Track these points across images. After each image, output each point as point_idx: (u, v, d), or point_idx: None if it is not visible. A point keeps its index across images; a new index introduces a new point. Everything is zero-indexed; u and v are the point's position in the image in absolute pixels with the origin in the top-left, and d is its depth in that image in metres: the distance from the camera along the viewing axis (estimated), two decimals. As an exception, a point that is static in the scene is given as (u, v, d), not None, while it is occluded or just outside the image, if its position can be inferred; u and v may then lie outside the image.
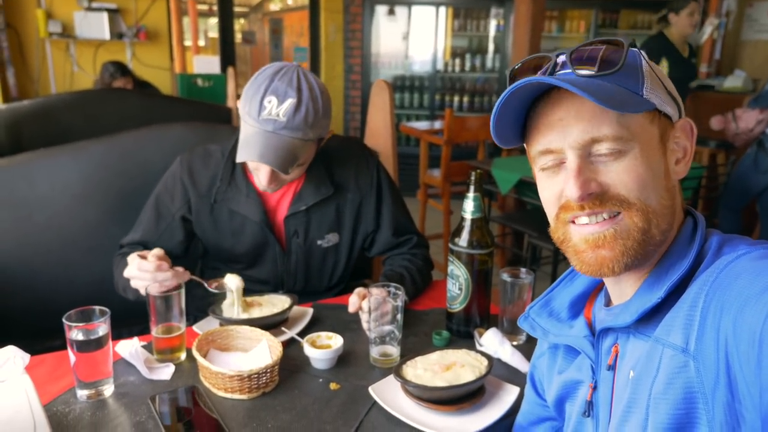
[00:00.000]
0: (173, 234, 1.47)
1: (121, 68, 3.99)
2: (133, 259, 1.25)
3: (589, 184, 0.66)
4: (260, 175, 1.35)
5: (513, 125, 0.72)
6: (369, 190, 1.52)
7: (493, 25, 5.92)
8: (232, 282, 1.30)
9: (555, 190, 0.70)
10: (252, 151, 1.27)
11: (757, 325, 0.52)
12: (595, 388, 0.75)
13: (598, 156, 0.66)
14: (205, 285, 1.31)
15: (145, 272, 1.21)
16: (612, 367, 0.72)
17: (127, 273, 1.26)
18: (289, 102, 1.26)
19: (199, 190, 1.44)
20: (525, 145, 0.75)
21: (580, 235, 0.69)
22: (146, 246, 1.46)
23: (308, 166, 1.44)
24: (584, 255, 0.68)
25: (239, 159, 1.28)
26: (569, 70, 0.67)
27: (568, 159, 0.67)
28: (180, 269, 1.25)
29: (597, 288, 0.81)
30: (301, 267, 1.51)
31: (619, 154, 0.65)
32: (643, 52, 0.69)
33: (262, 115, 1.27)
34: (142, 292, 1.25)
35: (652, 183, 0.66)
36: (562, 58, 0.68)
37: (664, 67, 3.58)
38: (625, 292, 0.72)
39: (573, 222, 0.69)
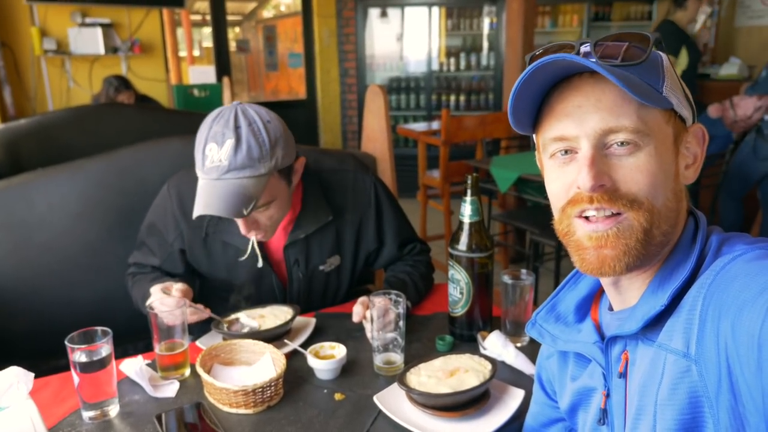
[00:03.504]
0: (174, 262, 1.46)
1: (124, 82, 4.02)
2: (156, 292, 1.26)
3: (602, 176, 0.64)
4: (239, 225, 1.31)
5: (528, 111, 0.71)
6: (367, 210, 1.49)
7: (486, 23, 5.92)
8: (251, 323, 1.30)
9: (565, 181, 0.68)
10: (199, 204, 1.22)
11: (756, 329, 0.52)
12: (608, 395, 0.74)
13: (612, 149, 0.65)
14: (224, 326, 1.29)
15: (165, 309, 1.19)
16: (623, 375, 0.71)
17: (149, 303, 1.25)
18: (228, 143, 1.21)
19: (191, 221, 1.39)
20: (535, 134, 0.73)
21: (584, 230, 0.67)
22: (154, 268, 1.47)
23: (302, 194, 1.41)
24: (586, 253, 0.67)
25: (193, 215, 1.24)
26: (593, 60, 0.65)
27: (582, 148, 0.66)
28: (200, 306, 1.26)
29: (601, 288, 0.80)
30: (304, 294, 1.48)
31: (634, 148, 0.64)
32: (663, 53, 0.69)
33: (206, 164, 1.23)
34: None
35: (663, 184, 0.65)
36: (585, 48, 0.67)
37: (684, 57, 3.61)
38: (629, 297, 0.72)
39: (579, 216, 0.68)
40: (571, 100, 0.66)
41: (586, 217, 0.67)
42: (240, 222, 1.29)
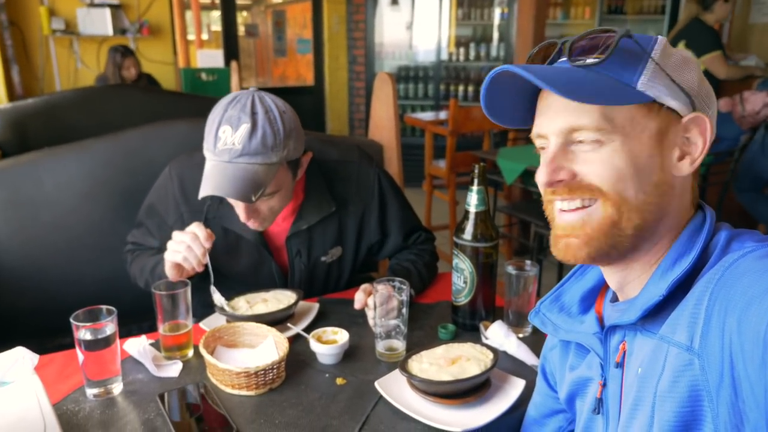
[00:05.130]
0: None
1: (128, 49, 4.15)
2: (192, 226, 1.27)
3: (558, 171, 0.68)
4: (238, 211, 1.31)
5: (521, 107, 0.74)
6: (371, 201, 1.49)
7: (497, 13, 5.87)
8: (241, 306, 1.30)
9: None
10: (208, 185, 1.21)
11: (761, 326, 0.51)
12: (604, 385, 0.75)
13: (577, 145, 0.67)
14: (212, 287, 1.30)
15: (189, 234, 1.24)
16: (620, 365, 0.71)
17: (175, 235, 1.26)
18: (243, 128, 1.20)
19: (191, 205, 1.40)
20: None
21: (560, 220, 0.71)
22: (154, 251, 1.47)
23: (306, 184, 1.41)
24: (558, 240, 0.71)
25: (200, 195, 1.22)
26: (565, 59, 0.68)
27: (550, 145, 0.69)
28: (206, 261, 1.26)
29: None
30: (305, 283, 1.48)
31: (597, 145, 0.66)
32: (662, 40, 0.67)
33: (218, 146, 1.21)
34: (168, 258, 1.26)
35: (633, 176, 0.66)
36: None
37: (716, 56, 3.66)
38: (629, 289, 0.72)
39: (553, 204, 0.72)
40: (545, 99, 0.70)
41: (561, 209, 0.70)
42: (241, 208, 1.29)
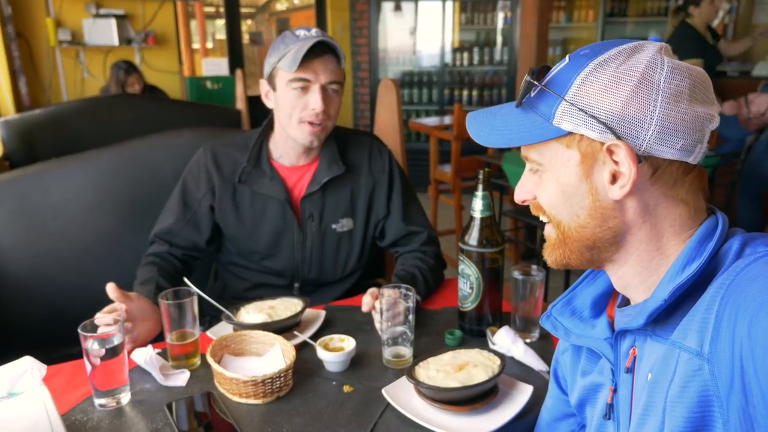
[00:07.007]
0: (199, 223, 1.51)
1: (132, 65, 4.13)
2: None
3: (524, 193, 0.76)
4: (313, 102, 1.38)
5: None
6: (381, 176, 1.56)
7: (500, 17, 5.88)
8: (254, 319, 1.29)
9: None
10: (306, 39, 1.35)
11: None
12: (615, 390, 0.74)
13: (536, 171, 0.74)
14: (228, 313, 1.28)
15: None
16: (630, 370, 0.71)
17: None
18: (316, 30, 1.39)
19: (224, 174, 1.49)
20: None
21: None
22: (175, 235, 1.51)
23: (322, 146, 1.50)
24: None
25: (299, 53, 1.32)
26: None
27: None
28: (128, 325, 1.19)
29: None
30: (316, 253, 1.53)
31: (540, 173, 0.73)
32: (588, 68, 0.66)
33: (299, 36, 1.37)
34: None
35: (564, 203, 0.71)
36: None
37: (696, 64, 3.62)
38: (632, 292, 0.73)
39: None
40: None
41: None
42: (317, 92, 1.38)
